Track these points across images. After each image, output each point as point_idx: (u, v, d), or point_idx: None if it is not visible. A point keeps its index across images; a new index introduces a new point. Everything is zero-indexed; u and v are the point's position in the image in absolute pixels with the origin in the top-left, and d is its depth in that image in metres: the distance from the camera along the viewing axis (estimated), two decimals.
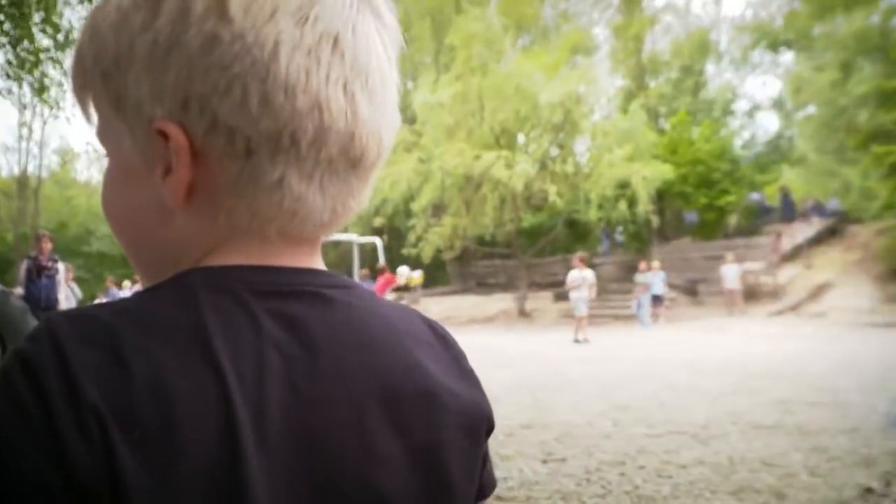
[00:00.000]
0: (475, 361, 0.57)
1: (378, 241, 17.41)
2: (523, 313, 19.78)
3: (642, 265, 16.97)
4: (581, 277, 12.89)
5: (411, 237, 23.11)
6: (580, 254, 14.28)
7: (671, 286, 18.19)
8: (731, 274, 17.17)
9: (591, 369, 8.04)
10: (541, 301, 20.72)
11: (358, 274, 16.28)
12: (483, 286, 25.22)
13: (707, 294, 19.10)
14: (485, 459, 0.54)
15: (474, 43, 19.59)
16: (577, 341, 12.50)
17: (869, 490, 3.00)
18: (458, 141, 19.75)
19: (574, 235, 26.18)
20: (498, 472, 0.64)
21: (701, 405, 5.37)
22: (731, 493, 3.05)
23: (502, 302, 21.38)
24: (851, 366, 7.55)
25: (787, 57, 26.27)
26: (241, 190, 0.45)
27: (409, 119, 25.75)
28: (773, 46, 23.94)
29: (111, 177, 0.49)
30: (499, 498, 3.07)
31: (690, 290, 19.65)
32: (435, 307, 19.94)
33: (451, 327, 0.58)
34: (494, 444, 2.55)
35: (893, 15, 18.55)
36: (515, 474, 3.51)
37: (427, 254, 22.60)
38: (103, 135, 0.49)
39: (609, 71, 28.10)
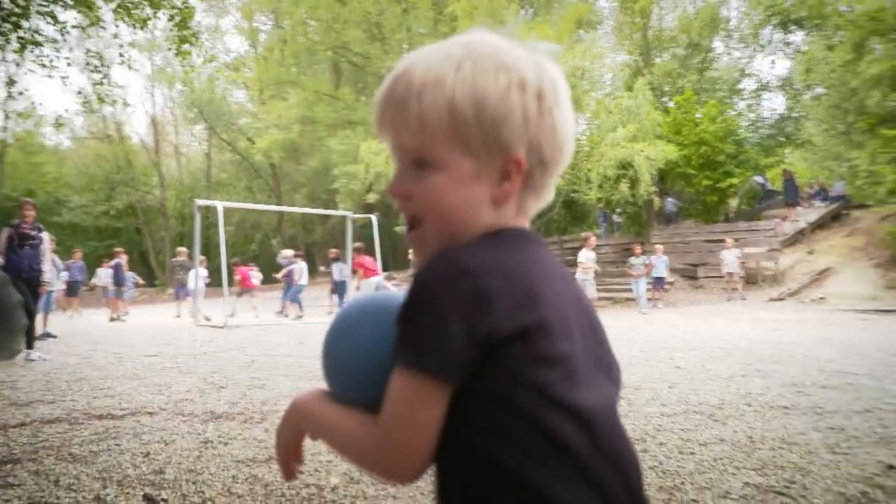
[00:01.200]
0: None
1: (374, 218, 16.98)
2: None
3: (637, 249, 16.55)
4: (592, 258, 12.63)
5: None
6: (590, 234, 13.91)
7: (670, 270, 17.82)
8: (730, 258, 16.81)
9: None
10: None
11: (351, 248, 15.93)
12: None
13: (706, 278, 18.76)
14: None
15: (477, 14, 18.96)
16: None
17: (891, 467, 3.04)
18: None
19: (572, 216, 25.71)
20: None
21: (712, 387, 5.32)
22: (755, 470, 3.03)
23: None
24: (856, 351, 7.57)
25: (798, 36, 25.63)
26: (536, 191, 0.82)
27: None
28: (784, 25, 23.24)
29: (446, 188, 0.78)
30: None
31: (690, 274, 19.30)
32: None
33: None
34: None
35: None
36: None
37: None
38: (442, 162, 0.78)
39: (613, 46, 27.36)
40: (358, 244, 15.58)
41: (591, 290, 12.42)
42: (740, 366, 6.43)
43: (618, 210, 24.17)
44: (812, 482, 2.83)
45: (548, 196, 0.84)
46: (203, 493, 2.70)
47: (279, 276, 17.17)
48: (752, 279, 17.81)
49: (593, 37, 23.25)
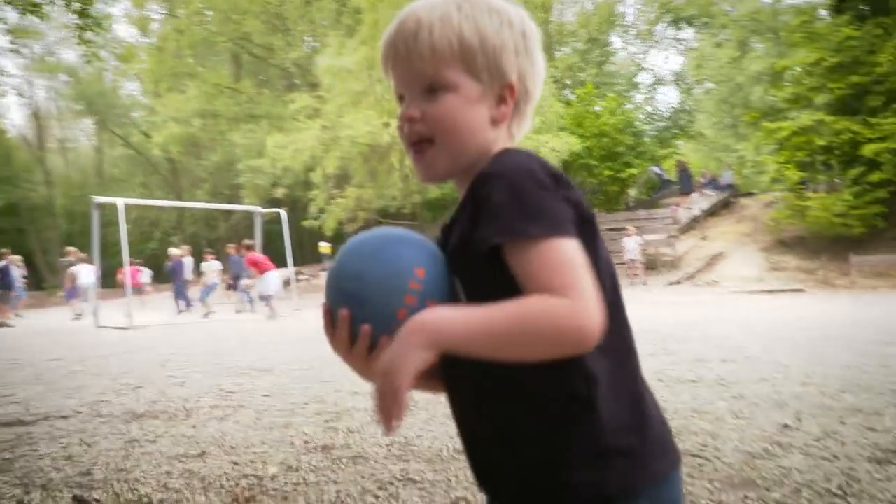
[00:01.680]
0: None
1: (283, 213, 16.63)
2: None
3: None
4: None
5: (313, 208, 22.27)
6: None
7: None
8: (632, 245, 17.62)
9: None
10: None
11: (258, 242, 15.61)
12: None
13: None
14: None
15: (381, 6, 18.88)
16: None
17: (786, 426, 3.40)
18: (365, 108, 19.04)
19: None
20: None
21: None
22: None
23: None
24: (748, 327, 8.20)
25: (689, 33, 27.13)
26: (521, 117, 0.95)
27: (311, 84, 24.51)
28: (676, 22, 24.50)
29: (458, 106, 0.88)
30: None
31: None
32: None
33: None
34: None
35: None
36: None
37: (329, 226, 21.88)
38: (454, 85, 0.88)
39: None
40: (248, 241, 15.38)
41: None
42: (649, 345, 6.73)
43: None
44: (722, 444, 3.10)
45: (527, 125, 0.96)
46: (137, 490, 2.63)
47: (202, 278, 16.71)
48: (651, 265, 18.76)
49: None
